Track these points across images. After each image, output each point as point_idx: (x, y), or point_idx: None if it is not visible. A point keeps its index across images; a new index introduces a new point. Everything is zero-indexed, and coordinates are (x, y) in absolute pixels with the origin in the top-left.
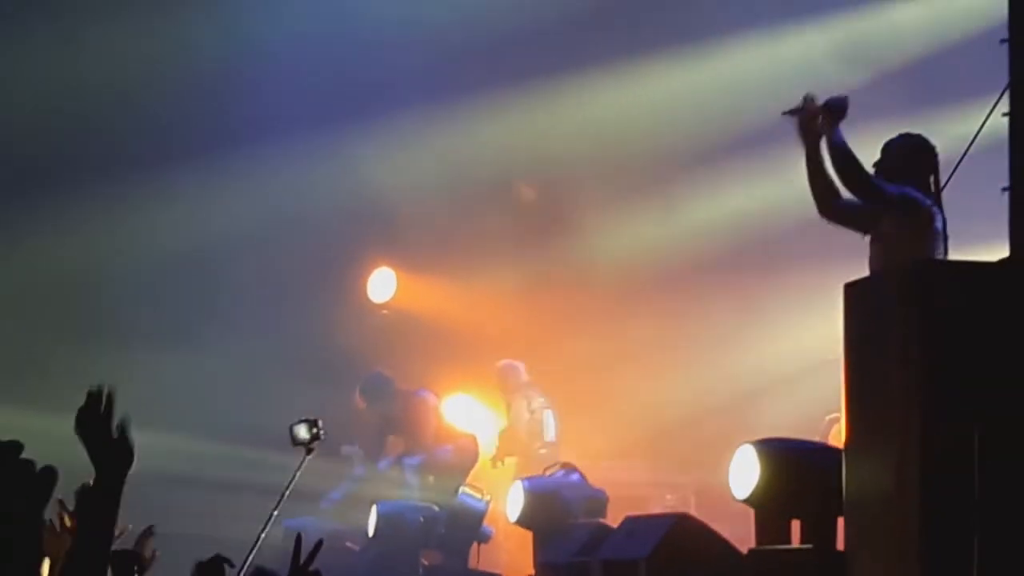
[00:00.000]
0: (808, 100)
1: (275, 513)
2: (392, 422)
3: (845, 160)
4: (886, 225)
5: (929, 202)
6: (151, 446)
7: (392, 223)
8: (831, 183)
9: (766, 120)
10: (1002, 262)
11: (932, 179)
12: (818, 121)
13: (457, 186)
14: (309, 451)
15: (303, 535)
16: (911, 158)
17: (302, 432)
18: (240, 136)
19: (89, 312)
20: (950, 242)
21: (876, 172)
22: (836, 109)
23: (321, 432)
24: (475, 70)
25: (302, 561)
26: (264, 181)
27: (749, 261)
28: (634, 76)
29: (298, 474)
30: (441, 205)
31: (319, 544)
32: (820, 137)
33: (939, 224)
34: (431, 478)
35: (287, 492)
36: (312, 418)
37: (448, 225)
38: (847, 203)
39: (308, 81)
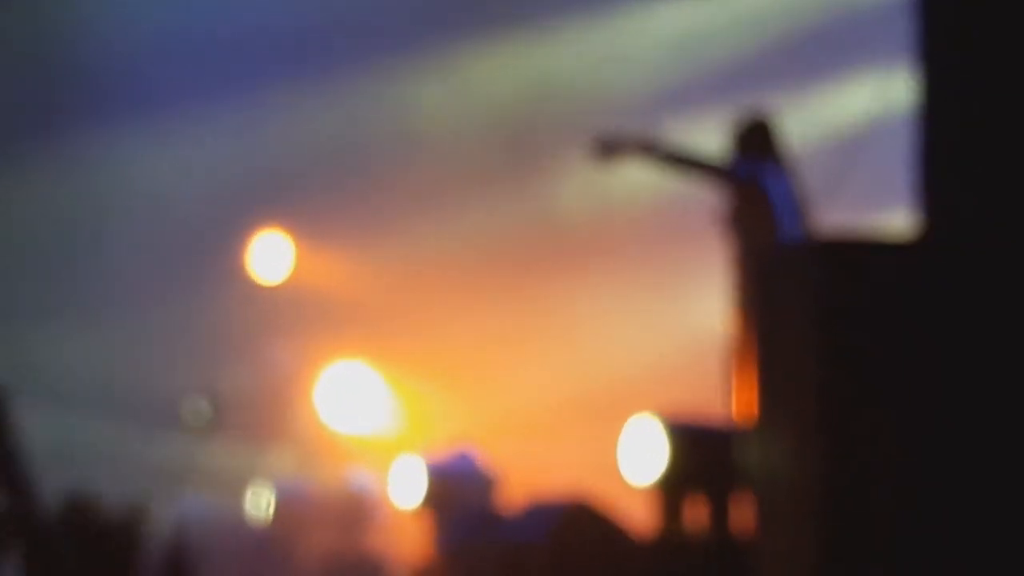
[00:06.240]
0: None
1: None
2: None
3: (678, 160)
4: (727, 210)
5: (764, 179)
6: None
7: (285, 191)
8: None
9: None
10: (912, 243)
11: (772, 155)
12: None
13: (352, 153)
14: (201, 433)
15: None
16: (749, 139)
17: (194, 415)
18: (122, 105)
19: None
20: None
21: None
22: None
23: (212, 415)
24: (379, 25)
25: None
26: (148, 147)
27: (652, 235)
28: (508, 47)
29: (192, 456)
30: (335, 172)
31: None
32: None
33: (775, 201)
34: None
35: (185, 474)
36: (204, 400)
37: (340, 194)
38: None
39: (188, 44)
